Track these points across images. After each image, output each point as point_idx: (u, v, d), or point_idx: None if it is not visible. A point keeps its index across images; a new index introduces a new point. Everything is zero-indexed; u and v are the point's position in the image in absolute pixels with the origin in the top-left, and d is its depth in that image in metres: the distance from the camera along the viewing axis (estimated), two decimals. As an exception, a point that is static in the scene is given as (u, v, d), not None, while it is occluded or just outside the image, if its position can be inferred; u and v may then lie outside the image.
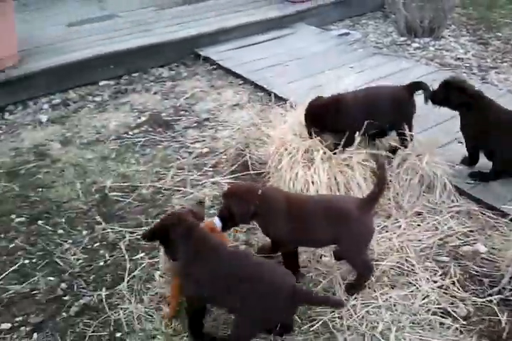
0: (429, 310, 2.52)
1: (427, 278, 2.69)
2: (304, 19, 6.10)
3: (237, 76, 4.92)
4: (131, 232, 3.05)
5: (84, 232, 3.08)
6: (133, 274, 2.75)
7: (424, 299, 2.58)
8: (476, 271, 2.75)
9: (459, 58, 5.27)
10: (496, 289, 2.62)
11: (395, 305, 2.54)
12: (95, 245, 2.98)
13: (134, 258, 2.87)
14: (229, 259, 2.25)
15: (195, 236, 2.26)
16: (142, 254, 2.89)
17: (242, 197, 2.48)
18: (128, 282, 2.71)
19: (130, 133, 4.11)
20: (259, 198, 2.47)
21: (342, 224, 2.48)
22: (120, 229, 3.07)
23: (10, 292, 2.70)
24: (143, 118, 4.31)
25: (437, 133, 3.72)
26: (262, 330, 2.35)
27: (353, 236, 2.52)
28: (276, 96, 4.43)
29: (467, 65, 5.12)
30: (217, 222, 2.50)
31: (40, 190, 3.46)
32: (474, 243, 2.93)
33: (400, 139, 3.38)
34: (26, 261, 2.89)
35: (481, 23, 6.29)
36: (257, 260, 2.36)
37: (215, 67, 5.13)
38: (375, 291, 2.61)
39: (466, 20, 6.38)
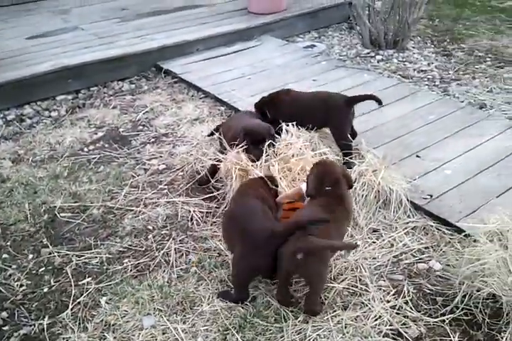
0: (380, 331, 2.47)
1: (380, 298, 2.65)
2: (270, 31, 6.07)
3: (199, 89, 4.86)
4: (78, 255, 2.96)
5: (30, 256, 2.98)
6: (78, 300, 2.66)
7: (376, 320, 2.53)
8: (430, 290, 2.72)
9: (421, 70, 5.29)
10: (448, 308, 2.59)
11: (346, 328, 2.48)
12: (40, 270, 2.88)
13: (80, 283, 2.78)
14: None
15: None
16: (89, 279, 2.80)
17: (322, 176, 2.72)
18: (72, 309, 2.62)
19: (85, 149, 4.01)
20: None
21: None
22: (67, 252, 2.98)
23: None
24: (99, 134, 4.22)
25: (394, 147, 3.70)
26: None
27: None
28: (237, 110, 4.39)
29: (430, 76, 5.14)
30: (304, 187, 2.80)
31: (-14, 211, 3.36)
32: (429, 260, 2.90)
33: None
34: (-34, 289, 2.78)
35: (445, 34, 6.34)
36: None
37: (176, 80, 5.07)
38: (326, 313, 2.56)
39: (431, 32, 6.42)
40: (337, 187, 2.72)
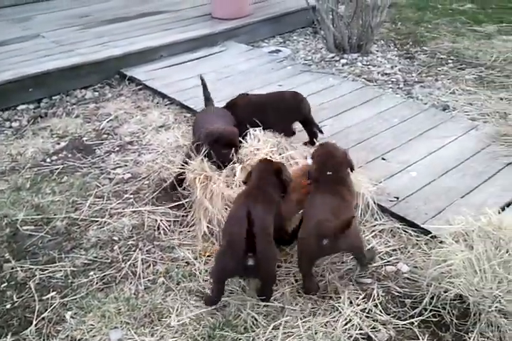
0: (350, 336, 2.47)
1: (350, 302, 2.65)
2: (234, 37, 6.06)
3: (164, 96, 4.81)
4: (42, 269, 2.87)
5: (-8, 272, 2.89)
6: (42, 316, 2.59)
7: (346, 324, 2.52)
8: (399, 292, 2.72)
9: (385, 73, 5.34)
10: (417, 310, 2.60)
11: (316, 333, 2.47)
12: (2, 286, 2.78)
13: (44, 298, 2.70)
14: None
15: None
16: (53, 293, 2.73)
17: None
18: (36, 325, 2.54)
19: (48, 160, 3.92)
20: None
21: None
22: (30, 266, 2.89)
23: None
24: (62, 144, 4.13)
25: (360, 151, 3.72)
26: None
27: None
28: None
29: (393, 79, 5.19)
30: (309, 161, 2.95)
31: None
32: (397, 262, 2.91)
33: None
34: None
35: (408, 37, 6.42)
36: None
37: (141, 87, 5.00)
38: (297, 319, 2.54)
39: (394, 35, 6.51)
40: (339, 170, 2.85)
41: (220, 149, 3.33)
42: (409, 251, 2.97)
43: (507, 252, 2.59)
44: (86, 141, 4.18)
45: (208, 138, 3.32)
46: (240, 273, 2.58)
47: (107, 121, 4.43)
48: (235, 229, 2.51)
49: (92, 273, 2.87)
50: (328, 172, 2.81)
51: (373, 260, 2.88)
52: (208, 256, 2.94)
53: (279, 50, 5.99)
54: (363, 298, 2.68)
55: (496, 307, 2.43)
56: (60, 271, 2.89)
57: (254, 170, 2.93)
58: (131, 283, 2.79)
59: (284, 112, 3.77)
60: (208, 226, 3.04)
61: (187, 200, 3.34)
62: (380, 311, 2.60)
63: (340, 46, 5.81)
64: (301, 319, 2.55)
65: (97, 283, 2.80)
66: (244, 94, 4.05)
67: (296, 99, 3.83)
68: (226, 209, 3.03)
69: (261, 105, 3.84)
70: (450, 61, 5.65)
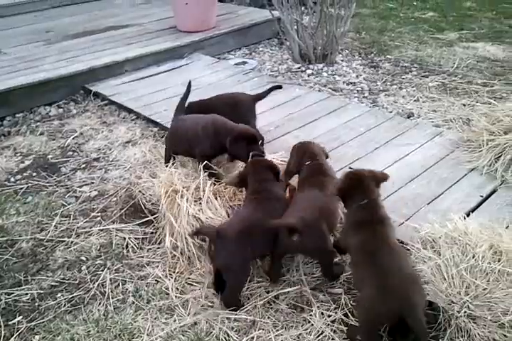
0: (324, 348, 2.47)
1: (321, 314, 2.65)
2: (200, 49, 6.07)
3: (130, 111, 4.78)
4: (7, 293, 2.81)
5: (-45, 298, 2.81)
6: (8, 341, 2.52)
7: (318, 336, 2.52)
8: (370, 301, 2.73)
9: (351, 83, 5.40)
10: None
11: (289, 347, 2.47)
12: (-34, 312, 2.72)
13: (10, 323, 2.64)
14: None
15: None
16: (20, 318, 2.67)
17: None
18: (2, 351, 2.48)
19: (12, 179, 3.85)
20: None
21: None
22: (-5, 290, 2.83)
23: None
24: (27, 163, 4.06)
25: (327, 160, 3.73)
26: None
27: None
28: (169, 130, 4.33)
29: (359, 89, 5.26)
30: None
31: None
32: (367, 272, 2.92)
33: None
34: None
35: (372, 46, 6.53)
36: None
37: (106, 102, 4.96)
38: (270, 333, 2.53)
39: (358, 45, 6.60)
40: (317, 159, 3.04)
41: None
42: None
43: (473, 257, 2.62)
44: (51, 158, 4.12)
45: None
46: None
47: (72, 138, 4.38)
48: None
49: (59, 295, 2.82)
50: (307, 162, 2.99)
51: (340, 275, 2.88)
52: (179, 273, 2.91)
53: (246, 62, 6.02)
54: (334, 309, 2.68)
55: (465, 312, 2.45)
56: (27, 294, 2.83)
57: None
58: (100, 303, 2.74)
59: (237, 114, 3.76)
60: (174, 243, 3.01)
61: (155, 216, 3.31)
62: (352, 321, 2.60)
63: (306, 57, 5.86)
64: (273, 332, 2.53)
65: (65, 305, 2.75)
66: (194, 101, 4.05)
67: (249, 100, 3.95)
68: (192, 225, 2.99)
69: (213, 107, 3.84)
70: (414, 69, 5.75)
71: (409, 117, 4.58)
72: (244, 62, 6.01)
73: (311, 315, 2.64)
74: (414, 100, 4.93)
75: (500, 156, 3.60)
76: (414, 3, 8.56)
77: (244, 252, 2.64)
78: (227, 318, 2.61)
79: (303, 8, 6.11)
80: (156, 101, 4.87)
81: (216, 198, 3.21)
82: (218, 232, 2.64)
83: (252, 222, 2.70)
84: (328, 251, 2.74)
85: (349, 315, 2.62)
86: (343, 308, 2.66)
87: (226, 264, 2.64)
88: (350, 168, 3.70)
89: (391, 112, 4.69)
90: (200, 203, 3.18)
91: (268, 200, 2.86)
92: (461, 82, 5.29)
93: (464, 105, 4.75)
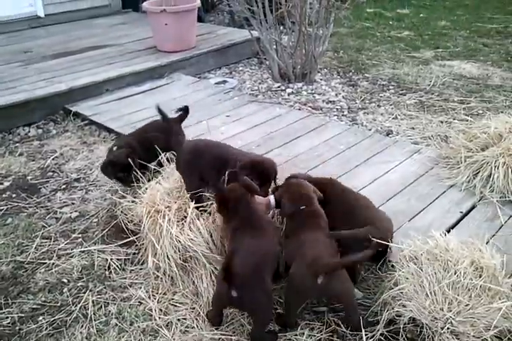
0: (310, 368, 2.46)
1: (308, 335, 2.64)
2: (180, 69, 6.11)
3: (111, 131, 4.76)
4: (-13, 318, 2.75)
5: None
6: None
7: (305, 356, 2.52)
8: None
9: (330, 101, 5.47)
10: (373, 335, 2.61)
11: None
12: None
13: (-9, 348, 2.58)
14: None
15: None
16: (1, 343, 2.61)
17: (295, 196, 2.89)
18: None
19: (-9, 201, 3.80)
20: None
21: None
22: (-26, 314, 2.77)
23: None
24: (6, 184, 4.01)
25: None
26: None
27: None
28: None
29: (338, 107, 5.33)
30: (272, 200, 2.99)
31: None
32: (350, 289, 2.93)
33: None
34: None
35: (350, 65, 6.64)
36: None
37: (87, 122, 4.94)
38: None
39: (337, 64, 6.71)
40: (311, 204, 2.88)
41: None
42: (362, 277, 3.00)
43: (455, 273, 2.64)
44: (31, 179, 4.08)
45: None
46: None
47: (52, 159, 4.35)
48: None
49: (41, 318, 2.78)
50: (302, 207, 2.84)
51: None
52: (162, 293, 2.88)
53: (226, 81, 6.07)
54: (319, 328, 2.67)
55: (448, 328, 2.47)
56: (7, 317, 2.77)
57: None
58: (82, 326, 2.70)
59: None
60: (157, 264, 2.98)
61: (137, 236, 3.28)
62: (337, 338, 2.61)
63: (286, 76, 5.94)
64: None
65: (46, 328, 2.70)
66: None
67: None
68: (175, 246, 2.96)
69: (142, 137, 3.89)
70: (391, 87, 5.86)
71: (388, 135, 4.65)
72: (224, 81, 6.05)
73: (296, 334, 2.63)
74: (393, 118, 5.01)
75: (478, 172, 3.67)
76: (390, 23, 8.76)
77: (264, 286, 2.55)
78: (211, 339, 2.59)
79: (281, 27, 6.20)
80: (137, 121, 4.84)
81: (198, 218, 3.20)
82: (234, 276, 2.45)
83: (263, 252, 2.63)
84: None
85: (334, 334, 2.63)
86: (329, 328, 2.66)
87: (253, 309, 2.55)
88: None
89: (370, 130, 4.76)
90: (183, 223, 3.17)
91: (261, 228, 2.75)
92: (438, 100, 5.40)
93: (442, 122, 4.84)
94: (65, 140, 4.66)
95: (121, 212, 3.45)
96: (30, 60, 6.09)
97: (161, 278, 2.97)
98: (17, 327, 2.72)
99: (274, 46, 5.87)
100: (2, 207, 3.70)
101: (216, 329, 2.64)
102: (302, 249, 2.65)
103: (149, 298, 2.87)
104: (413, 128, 4.77)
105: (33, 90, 5.13)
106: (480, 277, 2.61)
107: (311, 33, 5.68)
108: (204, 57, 6.37)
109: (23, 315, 2.80)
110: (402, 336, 2.56)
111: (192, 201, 3.19)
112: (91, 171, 4.14)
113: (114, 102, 5.30)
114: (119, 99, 5.36)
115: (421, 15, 9.27)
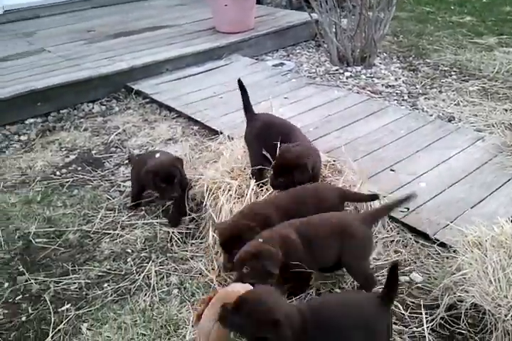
0: (367, 346, 2.47)
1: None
2: (239, 50, 6.13)
3: (171, 109, 4.85)
4: (56, 282, 2.88)
5: (6, 284, 2.89)
6: (58, 328, 2.58)
7: None
8: (412, 302, 2.72)
9: (390, 85, 5.39)
10: (431, 319, 2.60)
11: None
12: (17, 298, 2.79)
13: (59, 310, 2.71)
14: None
15: None
16: (68, 305, 2.73)
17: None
18: (53, 337, 2.54)
19: (58, 173, 3.94)
20: None
21: None
22: (44, 279, 2.90)
23: None
24: (71, 157, 4.15)
25: (368, 162, 3.74)
26: None
27: None
28: (210, 129, 4.39)
29: (398, 92, 5.24)
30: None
31: (-42, 239, 3.24)
32: (409, 272, 2.92)
33: None
34: None
35: (410, 50, 6.49)
36: None
37: (148, 100, 5.05)
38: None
39: (396, 48, 6.57)
40: None
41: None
42: (421, 261, 2.98)
43: (520, 261, 2.60)
44: (95, 154, 4.21)
45: None
46: None
47: (115, 135, 4.46)
48: None
49: (106, 285, 2.88)
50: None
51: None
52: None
53: (283, 63, 6.05)
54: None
55: (512, 316, 2.43)
56: (75, 283, 2.89)
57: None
58: (145, 294, 2.79)
59: None
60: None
61: (198, 214, 3.35)
62: (395, 321, 2.60)
63: (344, 59, 5.87)
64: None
65: (111, 294, 2.81)
66: None
67: None
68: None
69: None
70: (453, 73, 5.71)
71: (450, 121, 4.55)
72: (281, 64, 6.04)
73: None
74: (455, 104, 4.89)
75: (544, 161, 3.56)
76: (452, 8, 8.49)
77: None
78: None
79: (341, 10, 6.12)
80: (195, 101, 4.93)
81: (257, 197, 3.24)
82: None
83: None
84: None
85: (392, 315, 2.61)
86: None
87: None
88: (391, 170, 3.71)
89: (431, 116, 4.66)
90: (242, 201, 3.21)
91: None
92: (502, 87, 5.23)
93: (506, 110, 4.69)
94: (127, 117, 4.77)
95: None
96: (93, 39, 6.25)
97: (218, 253, 3.03)
98: (84, 292, 2.83)
99: (334, 29, 5.80)
100: (68, 179, 3.84)
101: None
102: None
103: (209, 271, 2.93)
104: (476, 115, 4.64)
105: (96, 68, 5.26)
106: (547, 265, 2.55)
107: (371, 17, 5.58)
108: (262, 39, 6.36)
109: (89, 281, 2.91)
110: (463, 321, 2.54)
111: (253, 177, 3.25)
112: (152, 148, 4.23)
113: (174, 82, 5.38)
114: (178, 79, 5.44)
115: (484, 0, 8.94)
